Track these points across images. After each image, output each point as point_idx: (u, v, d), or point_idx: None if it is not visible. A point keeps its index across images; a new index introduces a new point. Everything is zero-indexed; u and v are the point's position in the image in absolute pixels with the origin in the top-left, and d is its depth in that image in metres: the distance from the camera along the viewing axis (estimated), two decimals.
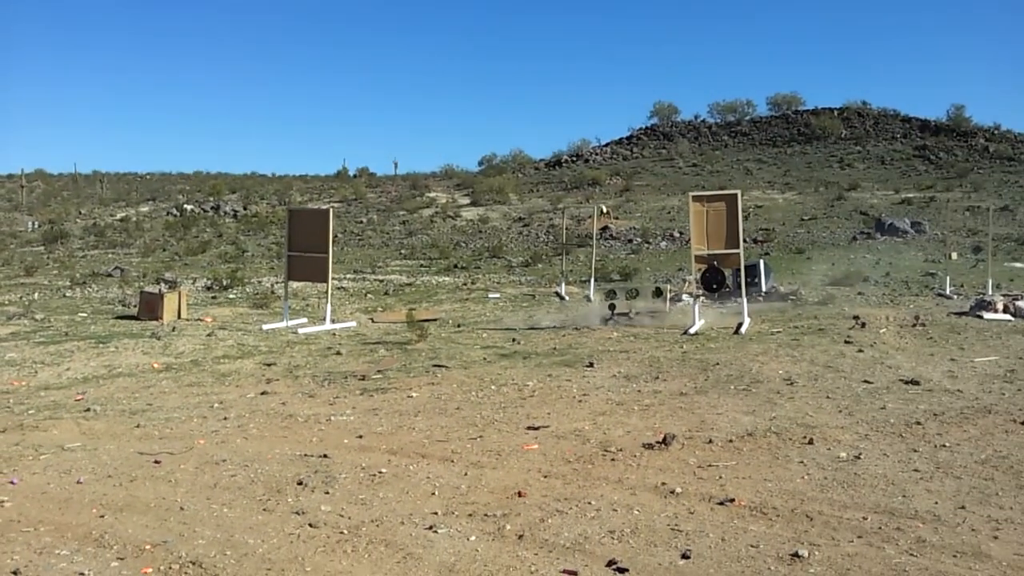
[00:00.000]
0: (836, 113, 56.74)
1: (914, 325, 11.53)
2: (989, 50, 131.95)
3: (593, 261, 18.34)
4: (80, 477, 5.28)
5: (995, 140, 49.57)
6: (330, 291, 13.14)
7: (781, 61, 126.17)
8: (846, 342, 10.24)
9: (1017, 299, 12.92)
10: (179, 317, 13.10)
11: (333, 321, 12.58)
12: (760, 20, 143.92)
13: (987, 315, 12.30)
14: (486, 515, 4.57)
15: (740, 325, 11.52)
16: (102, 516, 4.60)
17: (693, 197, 12.63)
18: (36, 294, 16.77)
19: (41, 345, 10.62)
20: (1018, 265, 21.36)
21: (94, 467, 5.51)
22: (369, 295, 17.06)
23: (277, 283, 18.30)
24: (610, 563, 3.94)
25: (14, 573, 3.86)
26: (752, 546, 4.12)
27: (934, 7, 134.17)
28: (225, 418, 6.92)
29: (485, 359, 9.62)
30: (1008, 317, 12.19)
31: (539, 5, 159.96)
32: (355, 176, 56.97)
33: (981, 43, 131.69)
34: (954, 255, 22.14)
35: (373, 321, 13.21)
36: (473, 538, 4.26)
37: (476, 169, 57.51)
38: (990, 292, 14.57)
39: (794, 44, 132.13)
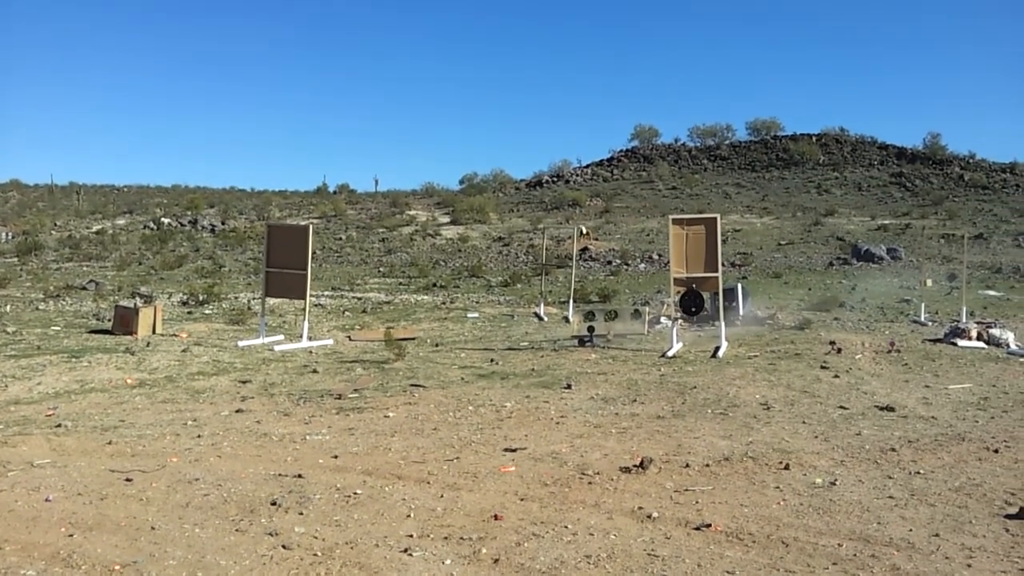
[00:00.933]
0: (814, 139, 57.51)
1: (889, 351, 11.62)
2: (966, 81, 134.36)
3: (572, 282, 18.38)
4: (49, 495, 5.19)
5: (970, 169, 50.37)
6: (308, 308, 13.08)
7: (760, 87, 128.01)
8: (822, 367, 10.30)
9: (990, 327, 13.06)
10: (154, 332, 12.98)
11: (310, 339, 12.50)
12: (740, 46, 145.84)
13: (961, 342, 12.41)
14: (462, 538, 4.53)
15: (717, 349, 11.56)
16: (71, 535, 4.52)
17: (673, 220, 12.69)
18: (8, 306, 16.55)
19: (12, 359, 10.47)
20: (992, 293, 21.61)
21: (64, 484, 5.42)
22: (347, 313, 16.99)
23: (254, 299, 18.19)
24: None
25: None
26: (728, 572, 4.11)
27: (912, 36, 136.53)
28: (199, 436, 6.84)
29: (463, 379, 9.59)
30: (982, 345, 12.31)
31: (522, 28, 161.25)
32: (335, 193, 56.92)
33: (958, 74, 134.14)
34: (929, 282, 22.38)
35: (350, 339, 13.15)
36: (448, 562, 4.22)
37: (457, 188, 57.70)
38: (964, 320, 14.71)
39: (773, 70, 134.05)
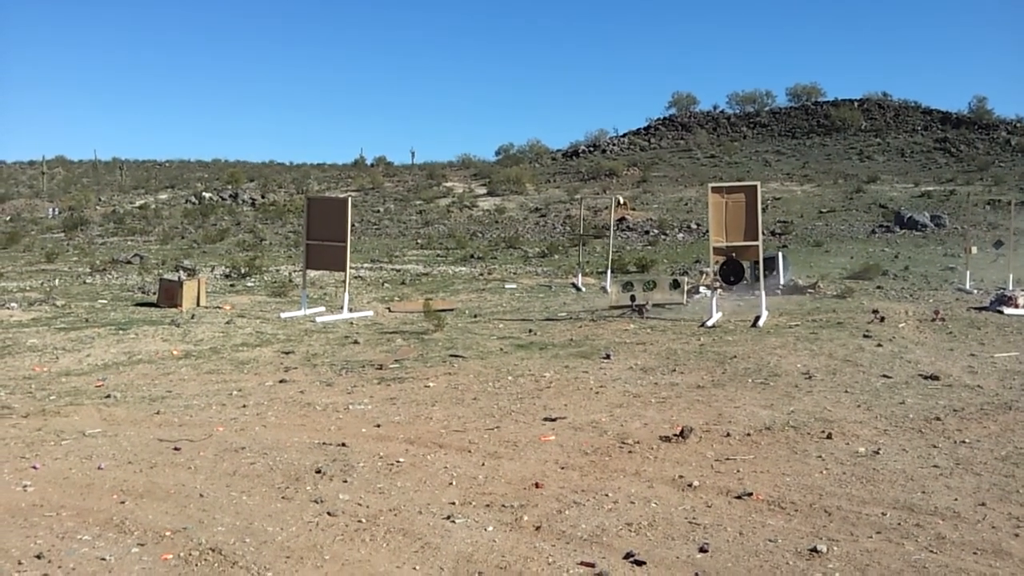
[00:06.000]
0: (856, 105, 56.33)
1: (933, 320, 11.44)
2: (1012, 42, 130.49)
3: (610, 252, 18.30)
4: (101, 463, 5.32)
5: (1017, 133, 49.07)
6: (348, 280, 13.19)
7: (801, 52, 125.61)
8: (865, 336, 10.17)
9: None
10: (198, 305, 13.17)
11: (351, 310, 12.62)
12: (780, 10, 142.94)
13: (1007, 310, 12.19)
14: (503, 506, 4.58)
15: (758, 318, 11.47)
16: (123, 502, 4.65)
17: (712, 188, 12.55)
18: (57, 280, 16.91)
19: (62, 331, 10.71)
20: None
21: (115, 453, 5.56)
22: (386, 284, 17.10)
23: (295, 271, 18.39)
24: (627, 556, 3.94)
25: (37, 557, 3.90)
26: (770, 540, 4.11)
27: None
28: (244, 406, 6.96)
29: (502, 349, 9.63)
30: None
31: None
32: (372, 165, 57.16)
33: (1004, 35, 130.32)
34: (974, 249, 21.87)
35: (390, 310, 13.25)
36: (490, 528, 4.27)
37: (493, 159, 57.63)
38: (1011, 287, 14.43)
39: (814, 35, 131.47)
